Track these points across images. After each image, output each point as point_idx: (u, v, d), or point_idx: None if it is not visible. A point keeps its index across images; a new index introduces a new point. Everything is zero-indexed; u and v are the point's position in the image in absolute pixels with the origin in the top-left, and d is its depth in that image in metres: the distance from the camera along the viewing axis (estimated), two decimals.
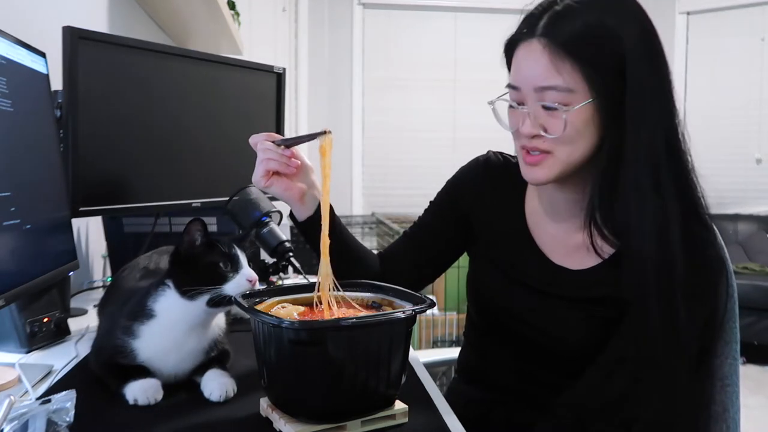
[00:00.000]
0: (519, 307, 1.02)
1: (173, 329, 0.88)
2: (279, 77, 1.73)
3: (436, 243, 1.12)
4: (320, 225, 0.95)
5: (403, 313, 0.80)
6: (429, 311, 0.80)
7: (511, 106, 0.94)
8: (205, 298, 0.86)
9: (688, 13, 4.79)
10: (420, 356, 1.14)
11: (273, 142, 0.98)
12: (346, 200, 4.69)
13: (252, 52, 3.71)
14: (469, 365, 1.15)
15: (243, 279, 0.87)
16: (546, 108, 0.89)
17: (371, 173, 4.79)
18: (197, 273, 0.86)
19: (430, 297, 0.84)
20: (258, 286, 0.88)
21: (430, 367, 1.10)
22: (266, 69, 1.70)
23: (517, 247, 1.04)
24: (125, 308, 0.91)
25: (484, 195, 1.08)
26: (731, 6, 4.62)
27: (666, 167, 0.89)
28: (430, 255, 1.12)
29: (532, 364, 1.02)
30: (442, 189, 1.15)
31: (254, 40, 3.96)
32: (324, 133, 0.91)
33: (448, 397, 1.03)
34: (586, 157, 0.91)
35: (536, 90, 0.89)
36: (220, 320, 0.95)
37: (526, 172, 0.95)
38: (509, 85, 0.93)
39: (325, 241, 0.88)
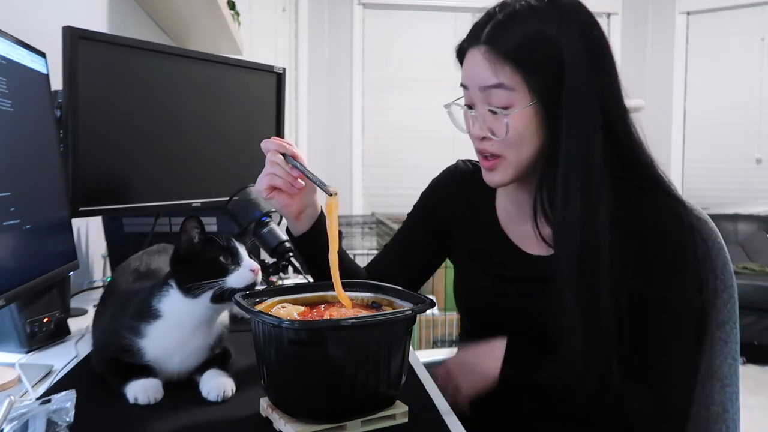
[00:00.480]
0: (506, 300, 1.05)
1: (179, 328, 0.89)
2: (279, 77, 1.73)
3: (417, 253, 1.17)
4: (313, 242, 1.03)
5: (403, 313, 0.80)
6: (429, 311, 0.81)
7: (466, 109, 0.99)
8: (209, 293, 0.86)
9: (688, 13, 4.80)
10: (420, 356, 1.14)
11: (283, 154, 0.98)
12: (346, 200, 4.69)
13: (252, 52, 3.71)
14: None
15: (246, 270, 0.87)
16: (492, 111, 0.93)
17: (371, 173, 4.80)
18: (198, 269, 0.87)
19: (430, 297, 0.84)
20: (259, 278, 0.89)
21: (430, 367, 1.10)
22: (266, 69, 1.70)
23: (494, 245, 1.08)
24: (129, 308, 0.91)
25: (458, 202, 1.13)
26: (731, 6, 4.62)
27: (601, 166, 0.92)
28: (413, 265, 1.17)
29: None
30: (418, 201, 1.20)
31: (254, 40, 3.96)
32: (332, 194, 0.92)
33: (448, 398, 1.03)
34: (535, 158, 0.96)
35: (481, 90, 0.94)
36: (224, 318, 0.96)
37: (485, 176, 1.00)
38: (462, 84, 0.98)
39: (343, 297, 0.88)
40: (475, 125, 0.96)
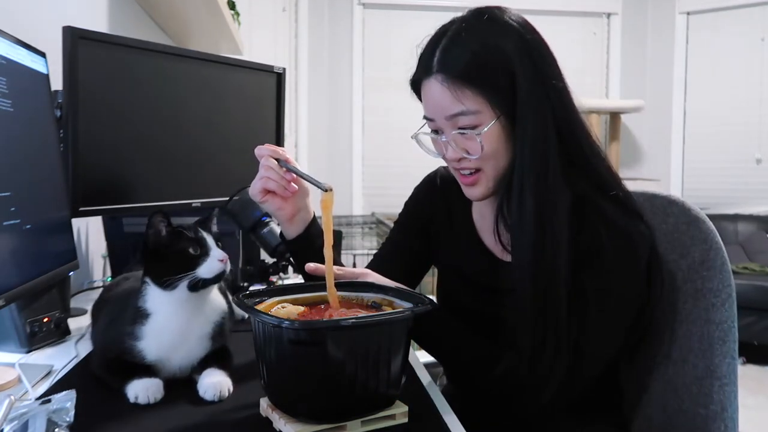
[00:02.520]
0: (480, 305, 1.05)
1: (173, 321, 0.89)
2: (279, 77, 1.73)
3: (405, 261, 1.19)
4: (307, 244, 1.05)
5: (403, 313, 0.80)
6: None
7: (434, 135, 1.01)
8: (185, 284, 0.87)
9: (688, 13, 4.80)
10: (420, 356, 1.14)
11: (277, 159, 1.01)
12: (346, 200, 4.69)
13: (252, 52, 3.71)
14: None
15: (214, 260, 0.89)
16: (462, 133, 0.95)
17: (371, 173, 4.79)
18: (169, 263, 0.88)
19: (430, 297, 0.84)
20: (228, 266, 0.91)
21: (430, 367, 1.10)
22: (266, 69, 1.70)
23: (470, 251, 1.10)
24: (122, 315, 0.92)
25: (438, 209, 1.15)
26: (731, 6, 4.62)
27: (554, 164, 0.93)
28: (403, 271, 1.16)
29: None
30: (403, 209, 1.22)
31: (254, 40, 3.96)
32: (327, 190, 0.93)
33: (448, 397, 1.03)
34: (511, 168, 0.96)
35: (447, 118, 0.95)
36: (221, 304, 0.96)
37: (466, 191, 1.02)
38: (425, 117, 1.00)
39: (332, 294, 0.89)
40: (448, 150, 0.98)
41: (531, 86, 0.93)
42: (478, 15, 0.97)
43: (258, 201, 1.03)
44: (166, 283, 0.87)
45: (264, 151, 1.02)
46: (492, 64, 0.93)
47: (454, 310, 1.12)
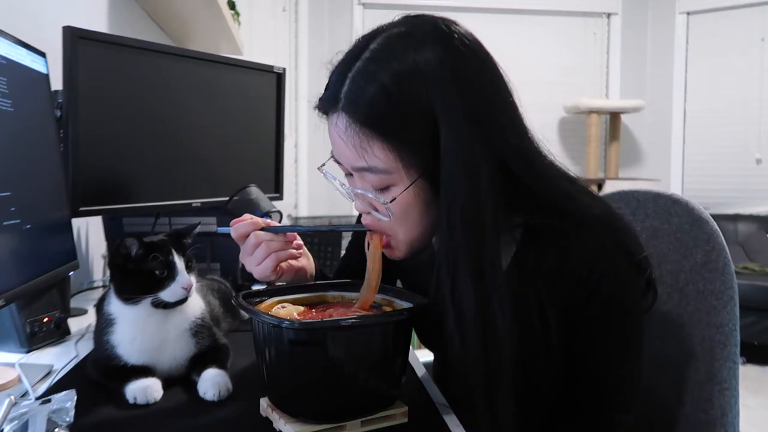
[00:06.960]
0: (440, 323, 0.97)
1: (139, 328, 0.89)
2: (279, 77, 1.73)
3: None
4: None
5: (403, 313, 0.80)
6: None
7: (341, 182, 0.85)
8: (148, 301, 0.87)
9: (688, 13, 4.80)
10: (420, 356, 1.14)
11: (263, 229, 0.91)
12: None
13: (252, 52, 3.72)
14: (437, 375, 1.14)
15: (178, 287, 0.88)
16: (368, 194, 0.80)
17: None
18: (134, 280, 0.88)
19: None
20: (192, 293, 0.90)
21: (430, 367, 1.10)
22: (266, 69, 1.70)
23: (424, 266, 0.97)
24: (99, 320, 0.93)
25: None
26: (731, 6, 4.63)
27: (492, 200, 0.75)
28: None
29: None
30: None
31: (254, 40, 3.96)
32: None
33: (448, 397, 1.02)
34: (432, 227, 0.82)
35: (354, 169, 0.80)
36: (194, 301, 0.95)
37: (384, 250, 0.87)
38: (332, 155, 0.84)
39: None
40: (355, 199, 0.83)
41: (458, 131, 0.73)
42: (400, 32, 0.77)
43: (273, 279, 0.93)
44: (128, 299, 0.88)
45: (245, 228, 0.90)
46: (407, 106, 0.73)
47: (420, 327, 1.04)
